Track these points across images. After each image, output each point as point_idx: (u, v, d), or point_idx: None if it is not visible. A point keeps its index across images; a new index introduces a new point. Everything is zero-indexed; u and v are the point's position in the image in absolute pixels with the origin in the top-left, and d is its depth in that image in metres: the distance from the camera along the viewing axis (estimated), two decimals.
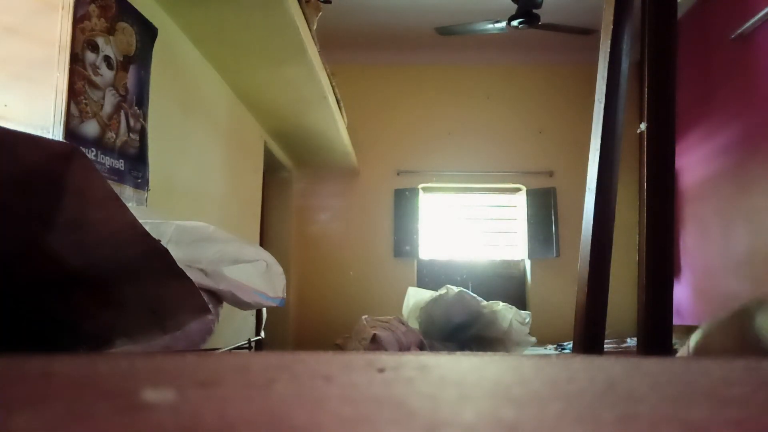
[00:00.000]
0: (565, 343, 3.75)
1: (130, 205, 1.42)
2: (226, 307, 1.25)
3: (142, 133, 1.63)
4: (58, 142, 0.97)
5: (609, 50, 0.91)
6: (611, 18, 0.91)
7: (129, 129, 1.55)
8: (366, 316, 3.26)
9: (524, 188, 4.41)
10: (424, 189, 4.46)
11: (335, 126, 3.19)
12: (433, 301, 3.16)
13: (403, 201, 4.38)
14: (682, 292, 3.81)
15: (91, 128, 1.38)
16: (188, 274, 0.68)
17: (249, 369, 0.38)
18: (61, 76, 1.27)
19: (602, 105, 0.91)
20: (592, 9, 3.44)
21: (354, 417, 0.26)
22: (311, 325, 4.19)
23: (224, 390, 0.31)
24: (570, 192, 4.25)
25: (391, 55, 4.47)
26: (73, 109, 1.30)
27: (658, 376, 0.37)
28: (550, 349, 3.72)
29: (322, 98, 2.71)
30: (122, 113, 1.52)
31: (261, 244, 3.54)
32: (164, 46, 1.80)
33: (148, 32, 1.68)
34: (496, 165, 4.37)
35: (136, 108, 1.60)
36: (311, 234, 4.39)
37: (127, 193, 1.53)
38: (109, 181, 1.27)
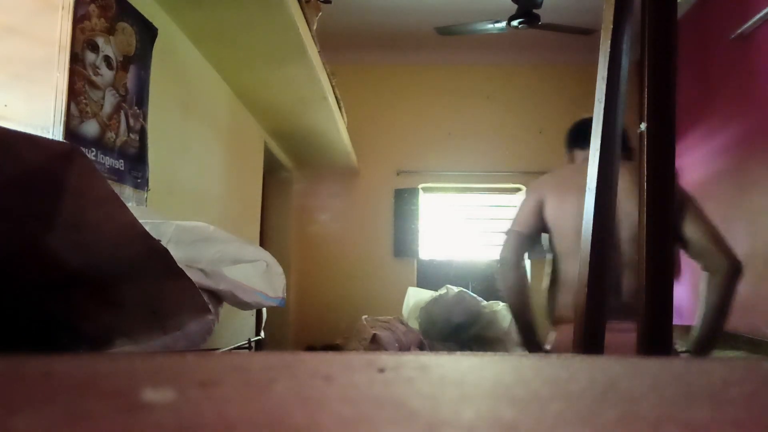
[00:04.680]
0: None
1: (130, 205, 1.42)
2: (226, 307, 1.25)
3: (142, 133, 1.63)
4: (58, 142, 0.97)
5: (609, 50, 0.91)
6: (611, 18, 0.91)
7: (129, 129, 1.55)
8: (366, 316, 3.26)
9: (524, 188, 4.41)
10: (424, 189, 4.46)
11: (335, 126, 3.19)
12: (433, 301, 3.16)
13: (403, 201, 4.38)
14: (682, 292, 3.81)
15: (91, 128, 1.38)
16: (188, 274, 0.68)
17: (249, 369, 0.38)
18: (61, 76, 1.27)
19: (602, 105, 0.91)
20: (592, 9, 3.44)
21: (354, 417, 0.26)
22: (311, 325, 4.19)
23: (224, 390, 0.31)
24: None
25: (391, 55, 4.46)
26: (73, 109, 1.30)
27: (658, 376, 0.37)
28: None
29: (322, 98, 2.71)
30: (122, 113, 1.52)
31: (261, 244, 3.54)
32: (164, 46, 1.80)
33: (148, 32, 1.68)
34: (496, 165, 4.37)
35: (136, 108, 1.60)
36: (311, 234, 4.39)
37: (127, 193, 1.53)
38: (109, 181, 1.27)
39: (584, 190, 1.53)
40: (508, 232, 1.66)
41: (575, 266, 1.45)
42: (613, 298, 1.46)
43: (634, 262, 1.39)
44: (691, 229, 1.55)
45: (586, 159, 1.66)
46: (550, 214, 1.59)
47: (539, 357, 0.42)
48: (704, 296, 1.52)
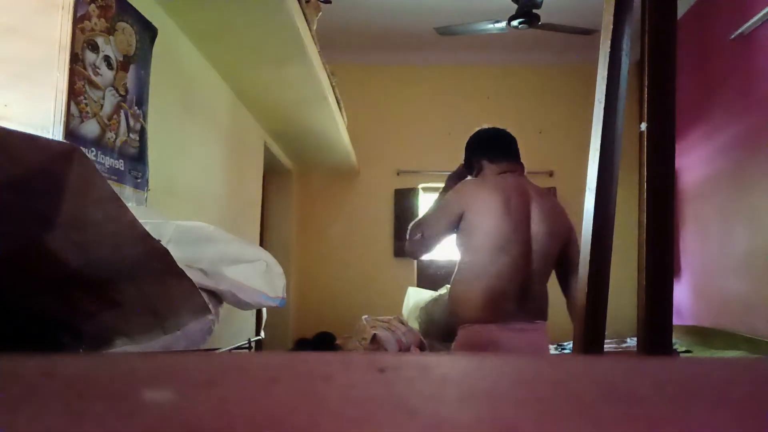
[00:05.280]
0: (565, 343, 3.75)
1: (130, 205, 1.42)
2: (226, 307, 1.25)
3: (142, 133, 1.63)
4: (58, 142, 0.97)
5: (609, 50, 0.91)
6: (611, 18, 0.91)
7: (129, 129, 1.55)
8: (366, 316, 3.26)
9: None
10: (424, 189, 4.46)
11: (335, 126, 3.19)
12: (433, 301, 3.15)
13: (403, 201, 4.38)
14: (682, 292, 3.81)
15: (91, 128, 1.38)
16: (188, 274, 0.68)
17: (249, 369, 0.38)
18: (61, 76, 1.27)
19: (602, 105, 0.91)
20: (592, 9, 3.44)
21: (354, 417, 0.26)
22: (311, 325, 4.19)
23: (224, 390, 0.31)
24: (570, 192, 4.25)
25: (391, 55, 4.46)
26: (73, 109, 1.30)
27: (658, 376, 0.37)
28: (550, 349, 3.72)
29: (322, 98, 2.71)
30: (122, 113, 1.52)
31: (261, 244, 3.54)
32: (164, 46, 1.80)
33: (148, 32, 1.68)
34: None
35: (136, 108, 1.60)
36: (311, 234, 4.39)
37: (127, 193, 1.53)
38: (109, 181, 1.27)
39: (505, 207, 1.69)
40: (430, 235, 1.75)
41: (489, 273, 1.66)
42: (522, 303, 1.65)
43: (539, 271, 1.71)
44: (573, 253, 1.75)
45: (500, 173, 1.84)
46: (471, 225, 1.68)
47: (539, 357, 0.42)
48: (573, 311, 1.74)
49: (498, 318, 1.60)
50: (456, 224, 1.72)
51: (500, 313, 1.61)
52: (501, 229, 1.65)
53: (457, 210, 1.71)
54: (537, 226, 1.70)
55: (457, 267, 1.75)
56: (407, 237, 1.83)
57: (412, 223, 1.83)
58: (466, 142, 2.07)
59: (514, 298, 1.63)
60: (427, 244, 1.78)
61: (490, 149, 1.92)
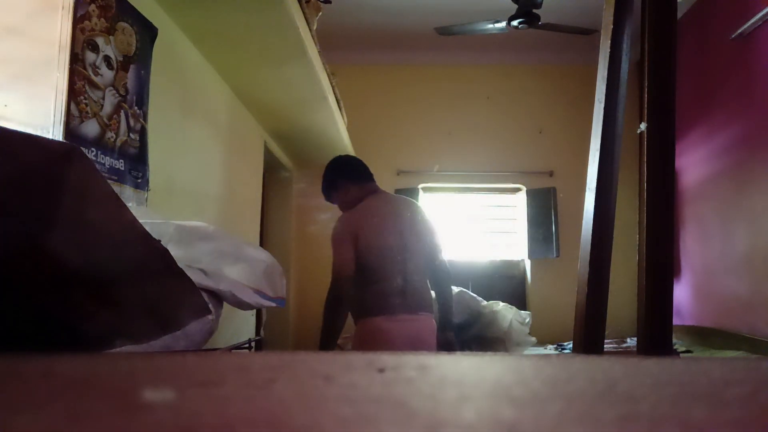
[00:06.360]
0: (565, 343, 3.75)
1: (130, 205, 1.42)
2: (226, 307, 1.25)
3: (142, 133, 1.63)
4: (58, 142, 0.97)
5: (609, 50, 0.91)
6: (611, 18, 0.91)
7: (129, 129, 1.55)
8: None
9: (524, 188, 4.41)
10: (424, 189, 4.46)
11: (335, 126, 3.19)
12: (433, 301, 3.15)
13: None
14: (682, 292, 3.81)
15: (91, 128, 1.38)
16: (188, 274, 0.68)
17: (249, 369, 0.38)
18: (61, 76, 1.27)
19: (602, 105, 0.91)
20: (592, 9, 3.44)
21: (354, 417, 0.26)
22: (311, 325, 4.18)
23: (224, 390, 0.31)
24: (570, 192, 4.25)
25: (391, 55, 4.46)
26: (73, 109, 1.30)
27: (658, 376, 0.37)
28: (550, 349, 3.72)
29: (322, 98, 2.71)
30: (122, 113, 1.52)
31: (261, 244, 3.54)
32: (164, 46, 1.80)
33: (148, 32, 1.68)
34: (496, 165, 4.37)
35: (136, 108, 1.60)
36: (311, 234, 4.39)
37: (127, 193, 1.53)
38: (109, 181, 1.26)
39: (382, 223, 2.04)
40: (339, 280, 2.04)
41: (376, 277, 1.97)
42: (403, 298, 1.96)
43: (415, 270, 2.03)
44: (436, 252, 2.23)
45: (367, 193, 2.16)
46: (364, 245, 2.03)
47: (539, 357, 0.42)
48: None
49: (384, 312, 1.93)
50: (355, 245, 2.03)
51: (386, 308, 1.94)
52: (382, 242, 2.01)
53: (350, 236, 2.05)
54: (408, 233, 2.05)
55: (356, 277, 2.05)
56: (330, 308, 2.07)
57: (333, 293, 2.08)
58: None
59: (397, 295, 1.96)
60: (344, 289, 2.03)
61: (353, 173, 2.25)
